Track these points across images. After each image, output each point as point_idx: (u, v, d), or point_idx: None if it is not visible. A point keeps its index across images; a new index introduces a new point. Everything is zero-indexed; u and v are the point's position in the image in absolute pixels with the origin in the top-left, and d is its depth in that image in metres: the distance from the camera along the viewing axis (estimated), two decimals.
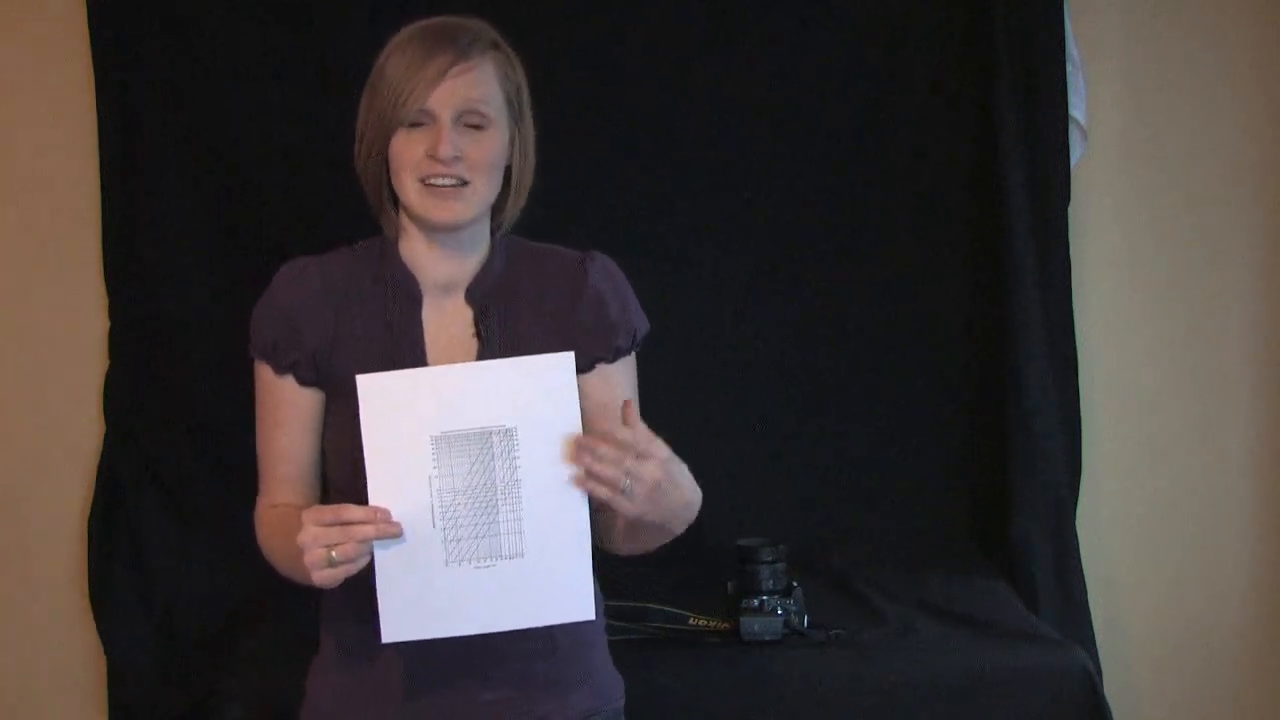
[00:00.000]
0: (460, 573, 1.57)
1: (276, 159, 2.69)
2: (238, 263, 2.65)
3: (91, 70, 2.68)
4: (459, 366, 1.68)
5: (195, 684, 2.56)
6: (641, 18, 2.77)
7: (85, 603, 2.72)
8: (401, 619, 1.57)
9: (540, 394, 1.56)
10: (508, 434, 1.56)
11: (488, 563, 1.57)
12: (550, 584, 1.58)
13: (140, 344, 2.73)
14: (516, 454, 1.56)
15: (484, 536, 1.57)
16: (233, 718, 2.23)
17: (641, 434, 1.57)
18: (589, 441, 1.55)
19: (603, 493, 1.55)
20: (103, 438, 2.73)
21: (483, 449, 1.56)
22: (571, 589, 1.59)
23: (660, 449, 1.58)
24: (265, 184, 2.71)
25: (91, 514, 2.72)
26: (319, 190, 2.61)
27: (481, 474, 1.56)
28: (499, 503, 1.57)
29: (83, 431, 2.77)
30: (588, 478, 1.55)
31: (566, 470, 1.57)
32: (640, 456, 1.55)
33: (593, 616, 1.62)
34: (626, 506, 1.56)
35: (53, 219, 2.78)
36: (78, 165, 2.74)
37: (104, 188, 2.70)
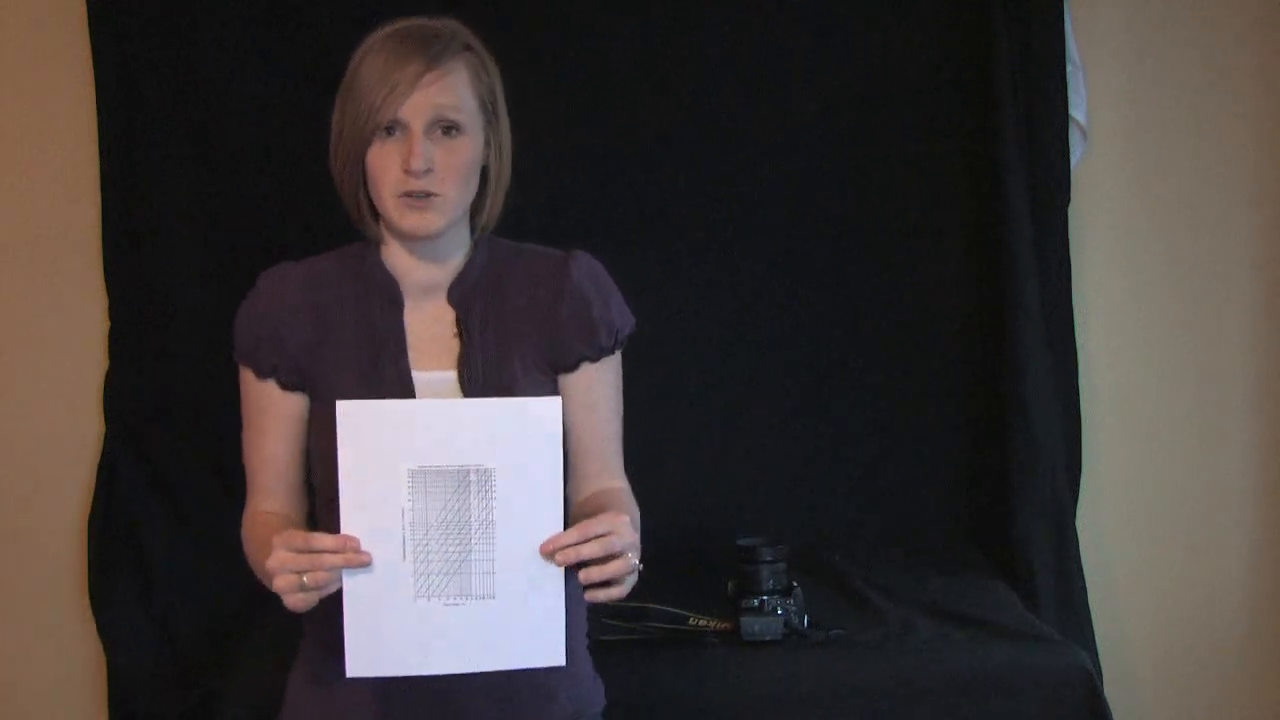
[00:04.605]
0: (429, 608, 1.55)
1: (276, 159, 2.69)
2: (237, 263, 2.64)
3: (91, 70, 2.68)
4: (443, 401, 1.67)
5: (195, 684, 2.57)
6: (640, 15, 2.77)
7: (85, 603, 2.72)
8: (367, 654, 1.55)
9: (523, 437, 1.54)
10: (486, 474, 1.54)
11: (457, 600, 1.55)
12: (520, 628, 1.56)
13: (140, 344, 2.73)
14: (493, 495, 1.55)
15: (455, 574, 1.55)
16: (233, 718, 2.23)
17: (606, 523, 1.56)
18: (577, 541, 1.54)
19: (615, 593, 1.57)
20: (103, 438, 2.73)
21: (460, 486, 1.54)
22: (541, 634, 1.57)
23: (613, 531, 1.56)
24: (265, 184, 2.72)
25: (91, 514, 2.72)
26: (318, 191, 2.59)
27: (456, 511, 1.54)
28: (472, 541, 1.55)
29: (83, 431, 2.77)
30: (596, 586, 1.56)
31: (543, 515, 1.55)
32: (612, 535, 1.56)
33: (562, 663, 1.60)
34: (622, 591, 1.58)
35: (53, 219, 2.78)
36: (78, 165, 2.74)
37: (104, 188, 2.70)
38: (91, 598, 2.71)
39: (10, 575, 2.82)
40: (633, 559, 1.56)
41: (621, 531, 1.55)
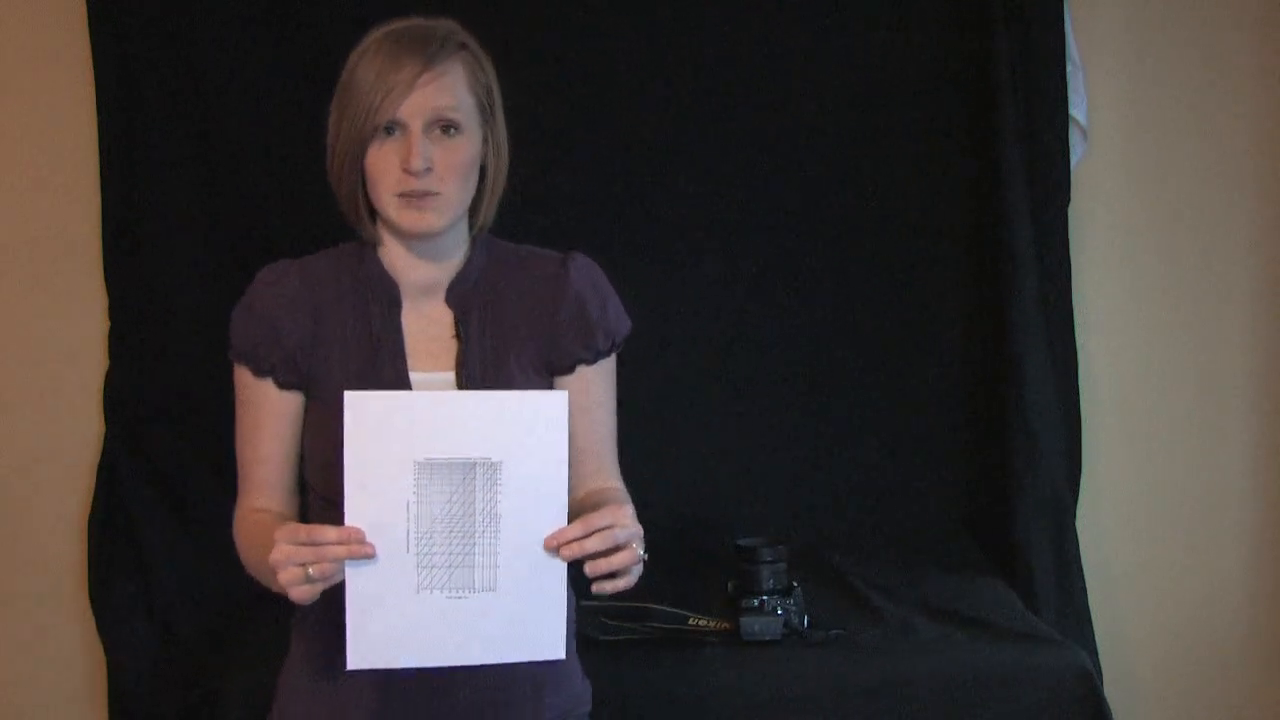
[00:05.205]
0: (431, 600, 1.55)
1: (276, 159, 2.69)
2: (237, 263, 2.64)
3: (91, 70, 2.68)
4: (450, 394, 1.67)
5: (195, 684, 2.56)
6: (640, 15, 2.77)
7: (85, 603, 2.72)
8: (369, 646, 1.55)
9: (530, 431, 1.55)
10: (492, 467, 1.54)
11: (459, 593, 1.55)
12: (521, 622, 1.57)
13: (140, 344, 2.73)
14: (499, 488, 1.55)
15: (458, 566, 1.55)
16: (233, 718, 2.23)
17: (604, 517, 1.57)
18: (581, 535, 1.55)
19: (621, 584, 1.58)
20: (103, 438, 2.73)
21: (465, 479, 1.54)
22: (542, 628, 1.57)
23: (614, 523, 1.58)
24: (265, 184, 2.72)
25: (91, 514, 2.72)
26: (318, 191, 2.59)
27: (461, 504, 1.54)
28: (476, 534, 1.55)
29: (83, 431, 2.77)
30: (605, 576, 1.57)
31: (547, 509, 1.56)
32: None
33: (562, 657, 1.60)
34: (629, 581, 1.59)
35: (53, 219, 2.78)
36: (78, 165, 2.74)
37: (104, 188, 2.70)
38: (91, 598, 2.70)
39: (10, 575, 2.82)
40: (637, 550, 1.56)
41: (625, 523, 1.55)
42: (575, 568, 1.58)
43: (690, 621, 2.36)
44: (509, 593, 1.56)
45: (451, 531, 1.55)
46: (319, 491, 1.74)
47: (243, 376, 1.77)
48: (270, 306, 1.75)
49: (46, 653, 2.83)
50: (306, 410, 1.76)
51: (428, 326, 1.76)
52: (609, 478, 1.80)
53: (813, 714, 2.22)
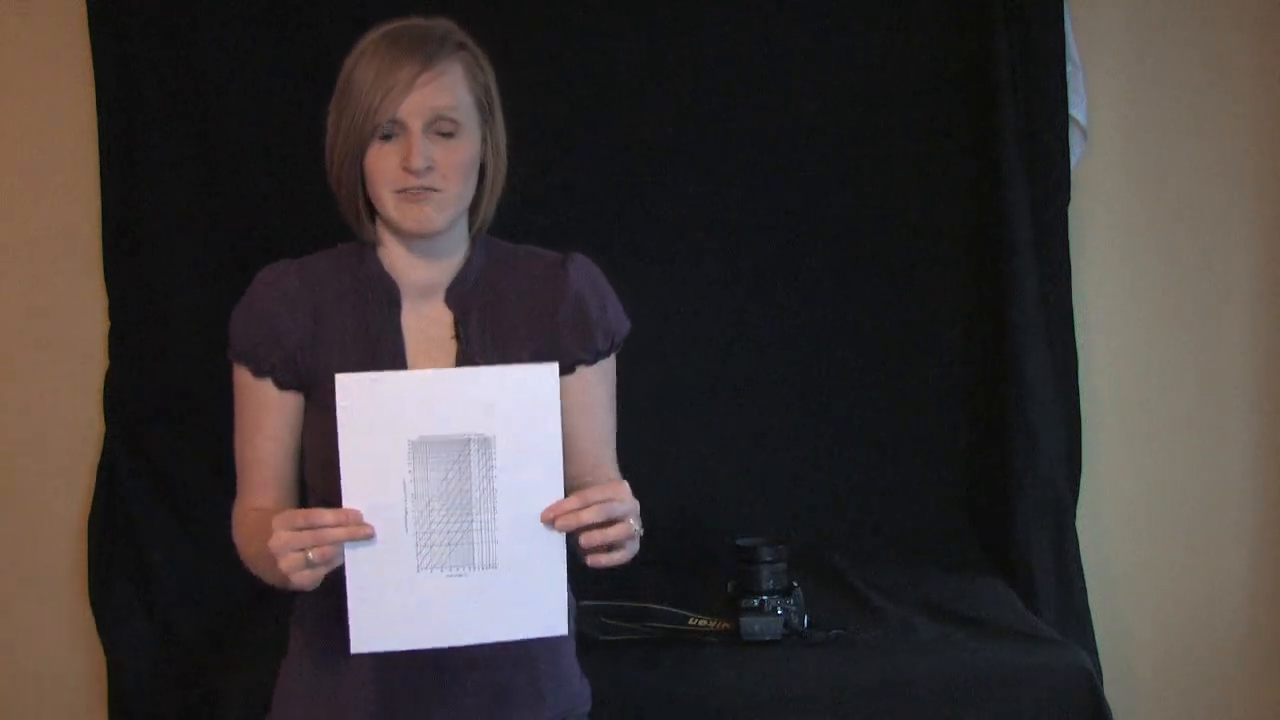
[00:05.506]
0: (431, 580, 1.55)
1: (276, 159, 2.69)
2: (237, 263, 2.64)
3: (91, 70, 2.68)
4: (441, 371, 1.68)
5: (195, 684, 2.56)
6: (640, 15, 2.77)
7: (85, 603, 2.72)
8: (372, 629, 1.55)
9: (522, 405, 1.55)
10: (486, 443, 1.54)
11: (459, 571, 1.55)
12: (522, 597, 1.56)
13: (140, 344, 2.73)
14: (494, 464, 1.55)
15: (457, 544, 1.55)
16: (233, 718, 2.23)
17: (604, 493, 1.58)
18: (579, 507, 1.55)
19: (617, 557, 1.57)
20: (103, 438, 2.73)
21: (460, 456, 1.54)
22: (544, 603, 1.57)
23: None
24: (265, 184, 2.72)
25: (91, 514, 2.72)
26: (318, 191, 2.59)
27: (457, 481, 1.55)
28: (474, 512, 1.55)
29: (83, 431, 2.77)
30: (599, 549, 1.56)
31: (543, 483, 1.56)
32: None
33: (565, 632, 1.60)
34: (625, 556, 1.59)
35: (53, 219, 2.78)
36: (78, 165, 2.74)
37: (104, 188, 2.70)
38: (91, 598, 2.70)
39: (10, 575, 2.82)
40: (634, 524, 1.56)
41: (621, 497, 1.56)
42: (577, 568, 1.58)
43: (690, 621, 2.36)
44: (509, 568, 1.56)
45: (449, 509, 1.55)
46: (319, 491, 1.74)
47: (242, 377, 1.77)
48: (270, 306, 1.75)
49: (46, 653, 2.83)
50: (306, 410, 1.76)
51: (427, 327, 1.76)
52: (608, 477, 1.80)
53: (813, 714, 2.22)
